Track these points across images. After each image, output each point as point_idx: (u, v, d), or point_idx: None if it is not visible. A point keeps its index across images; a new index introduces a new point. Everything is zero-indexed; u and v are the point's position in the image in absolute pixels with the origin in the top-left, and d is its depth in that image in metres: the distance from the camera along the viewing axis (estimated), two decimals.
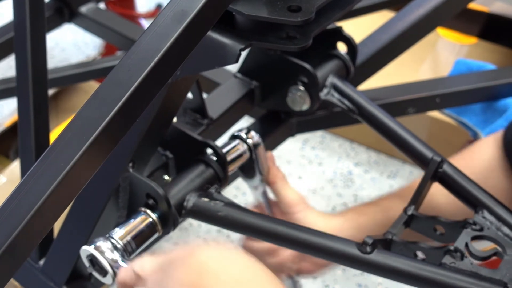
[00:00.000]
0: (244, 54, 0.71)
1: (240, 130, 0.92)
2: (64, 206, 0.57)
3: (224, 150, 0.88)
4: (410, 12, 1.17)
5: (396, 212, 0.92)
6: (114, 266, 0.76)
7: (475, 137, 1.36)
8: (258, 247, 0.99)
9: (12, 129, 1.63)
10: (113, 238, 0.77)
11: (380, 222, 0.97)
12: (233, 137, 0.91)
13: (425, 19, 1.16)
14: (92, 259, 0.76)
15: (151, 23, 0.59)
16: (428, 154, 0.85)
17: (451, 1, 1.19)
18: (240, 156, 0.90)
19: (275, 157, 0.97)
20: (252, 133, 0.91)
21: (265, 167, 0.93)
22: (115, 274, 0.76)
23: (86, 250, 0.76)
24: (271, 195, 0.99)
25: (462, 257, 0.74)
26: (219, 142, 0.93)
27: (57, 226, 0.76)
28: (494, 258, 0.75)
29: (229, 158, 0.88)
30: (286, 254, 0.99)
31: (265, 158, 0.93)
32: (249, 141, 0.90)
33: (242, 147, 0.90)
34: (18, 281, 1.07)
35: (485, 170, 0.93)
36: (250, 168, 0.92)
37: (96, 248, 0.76)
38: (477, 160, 0.95)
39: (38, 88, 0.92)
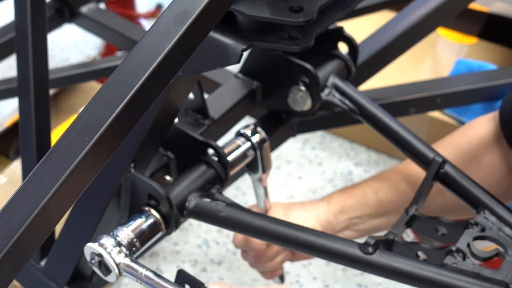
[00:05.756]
0: (245, 54, 0.71)
1: (247, 126, 0.91)
2: (67, 207, 0.57)
3: (228, 149, 0.88)
4: (411, 13, 1.17)
5: (384, 194, 0.93)
6: (119, 263, 0.75)
7: None
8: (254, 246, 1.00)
9: (12, 129, 1.62)
10: (117, 236, 0.77)
11: (367, 202, 0.98)
12: (239, 135, 0.91)
13: (426, 19, 1.16)
14: (96, 257, 0.76)
15: (153, 24, 0.58)
16: (430, 154, 0.85)
17: (452, 1, 1.19)
18: (244, 156, 0.90)
19: (275, 157, 0.98)
20: (258, 129, 0.91)
21: (269, 164, 0.93)
22: (119, 271, 0.76)
23: (91, 247, 0.76)
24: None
25: (464, 257, 0.74)
26: (221, 141, 0.93)
27: (59, 226, 0.76)
28: (496, 258, 0.75)
29: (233, 158, 0.88)
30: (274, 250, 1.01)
31: (269, 156, 0.92)
32: (254, 139, 0.90)
33: (246, 147, 0.90)
34: (20, 282, 1.07)
35: (481, 146, 0.93)
36: (253, 163, 0.92)
37: (101, 245, 0.76)
38: (474, 136, 0.95)
39: (39, 88, 0.92)
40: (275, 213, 0.98)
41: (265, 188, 0.97)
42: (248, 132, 0.90)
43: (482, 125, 0.95)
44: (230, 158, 0.88)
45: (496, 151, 0.92)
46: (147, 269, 0.75)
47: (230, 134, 1.05)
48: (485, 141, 0.93)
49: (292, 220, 0.87)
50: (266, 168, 0.92)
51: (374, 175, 1.04)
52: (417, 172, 0.93)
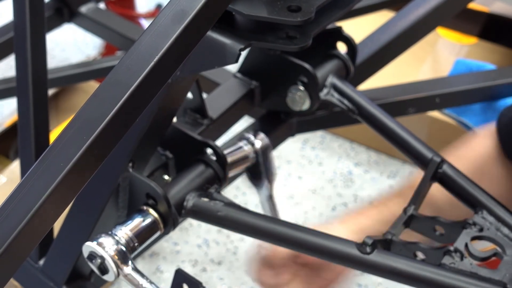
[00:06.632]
0: (243, 54, 0.71)
1: (248, 131, 0.91)
2: (64, 206, 0.57)
3: (228, 151, 0.88)
4: (410, 12, 1.17)
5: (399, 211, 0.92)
6: (117, 263, 0.76)
7: None
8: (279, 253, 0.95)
9: (12, 129, 1.63)
10: (116, 235, 0.77)
11: (384, 220, 0.96)
12: (240, 138, 0.91)
13: (425, 19, 1.16)
14: (95, 256, 0.76)
15: (151, 23, 0.59)
16: (428, 154, 0.85)
17: (451, 1, 1.19)
18: (244, 158, 0.89)
19: (275, 157, 0.97)
20: (261, 135, 0.90)
21: (273, 172, 0.92)
22: (118, 271, 0.76)
23: (89, 246, 0.76)
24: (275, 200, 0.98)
25: (462, 257, 0.74)
26: (220, 141, 0.93)
27: (57, 226, 0.76)
28: (493, 258, 0.75)
29: (232, 159, 0.88)
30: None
31: (273, 163, 0.92)
32: (257, 144, 0.90)
33: (248, 150, 0.90)
34: (18, 281, 1.07)
35: (482, 163, 0.93)
36: (256, 171, 0.92)
37: (99, 244, 0.76)
38: (473, 153, 0.95)
39: (38, 88, 0.92)
40: None
41: (272, 201, 0.95)
42: (250, 136, 0.90)
43: (481, 144, 0.95)
44: (230, 158, 0.88)
45: (501, 165, 0.92)
46: (145, 277, 0.76)
47: (229, 134, 1.05)
48: (489, 158, 0.93)
49: None
50: (270, 177, 0.91)
51: (392, 191, 1.01)
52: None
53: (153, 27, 0.58)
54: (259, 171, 0.91)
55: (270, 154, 0.91)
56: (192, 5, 0.58)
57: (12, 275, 0.56)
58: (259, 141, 0.90)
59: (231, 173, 0.88)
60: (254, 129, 0.92)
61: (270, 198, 0.97)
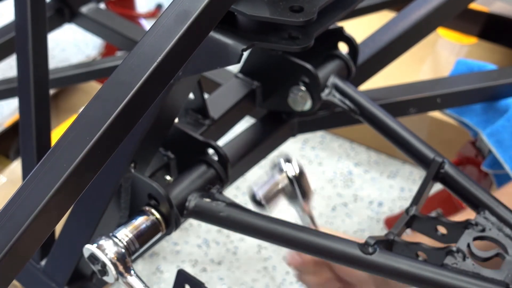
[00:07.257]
0: (245, 54, 0.72)
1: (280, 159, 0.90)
2: (67, 208, 0.57)
3: (262, 184, 0.87)
4: (411, 13, 1.17)
5: None
6: (117, 265, 0.76)
7: (475, 137, 1.37)
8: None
9: (12, 129, 1.63)
10: (116, 237, 0.77)
11: None
12: (273, 167, 0.90)
13: (426, 20, 1.16)
14: (95, 258, 0.76)
15: (154, 23, 0.59)
16: (430, 154, 0.85)
17: (452, 1, 1.19)
18: (279, 190, 0.89)
19: (275, 157, 0.97)
20: (294, 162, 0.90)
21: (309, 194, 0.92)
22: (117, 273, 0.76)
23: (89, 249, 0.76)
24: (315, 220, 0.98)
25: (464, 257, 0.74)
26: (222, 141, 0.93)
27: (59, 226, 0.76)
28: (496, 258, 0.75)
29: (267, 194, 0.87)
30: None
31: (309, 185, 0.91)
32: (290, 172, 0.89)
33: (281, 179, 0.89)
34: (20, 282, 1.06)
35: None
36: (292, 195, 0.91)
37: (99, 247, 0.76)
38: None
39: (39, 88, 0.92)
40: None
41: (312, 220, 0.95)
42: (282, 165, 0.89)
43: None
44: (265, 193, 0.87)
45: None
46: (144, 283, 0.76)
47: (230, 134, 1.05)
48: None
49: None
50: (307, 198, 0.91)
51: None
52: None
53: (156, 28, 0.58)
54: (295, 195, 0.91)
55: (304, 179, 0.90)
56: (195, 6, 0.58)
57: (15, 276, 0.56)
58: (292, 170, 0.90)
59: (270, 204, 0.87)
60: (286, 157, 0.91)
61: (308, 215, 0.96)
